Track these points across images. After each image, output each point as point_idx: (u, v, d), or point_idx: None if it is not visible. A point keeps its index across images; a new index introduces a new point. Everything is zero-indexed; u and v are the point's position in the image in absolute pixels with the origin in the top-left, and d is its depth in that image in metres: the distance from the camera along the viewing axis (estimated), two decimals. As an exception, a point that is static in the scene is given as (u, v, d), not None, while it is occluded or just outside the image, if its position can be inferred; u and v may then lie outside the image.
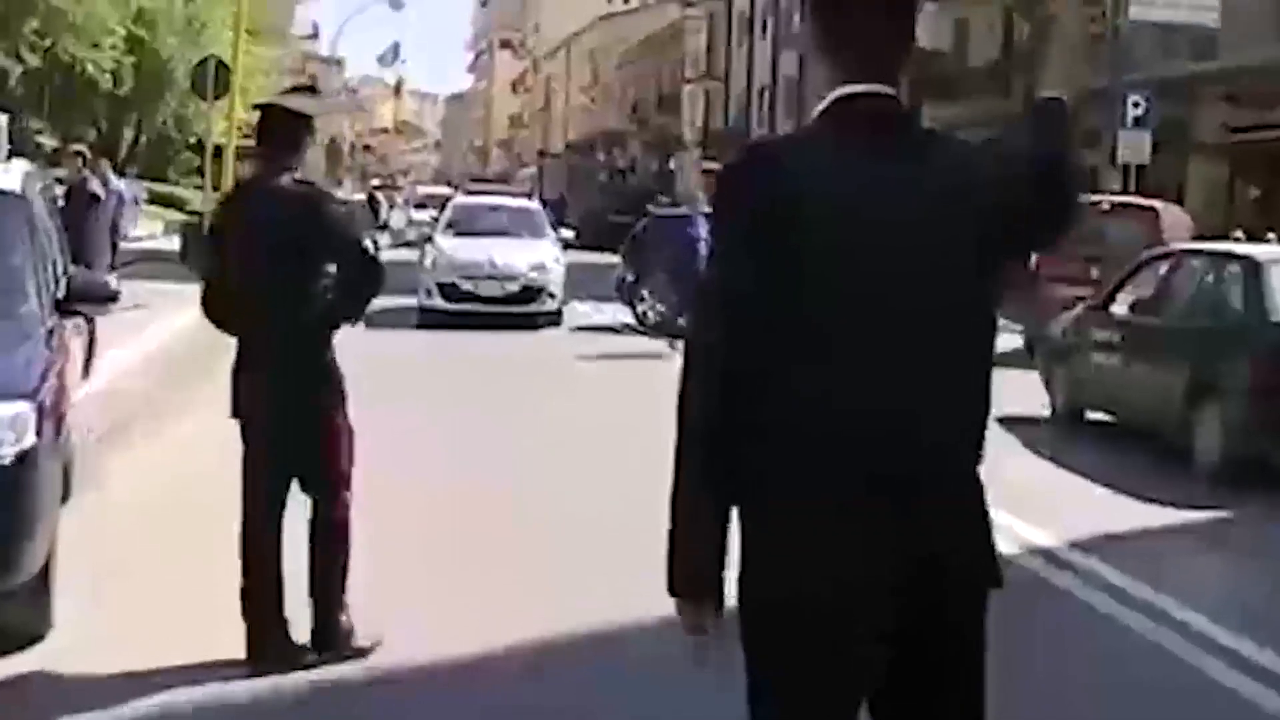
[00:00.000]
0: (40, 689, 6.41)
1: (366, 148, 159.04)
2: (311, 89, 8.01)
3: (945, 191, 3.45)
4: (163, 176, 57.17)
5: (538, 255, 25.76)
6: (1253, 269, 13.46)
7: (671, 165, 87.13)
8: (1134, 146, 33.04)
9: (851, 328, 3.35)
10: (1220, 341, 13.46)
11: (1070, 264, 20.91)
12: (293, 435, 6.82)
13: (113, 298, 8.10)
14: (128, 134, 56.98)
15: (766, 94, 72.87)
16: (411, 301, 25.15)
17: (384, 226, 49.03)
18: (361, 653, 6.91)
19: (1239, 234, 25.65)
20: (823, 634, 3.32)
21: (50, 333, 7.38)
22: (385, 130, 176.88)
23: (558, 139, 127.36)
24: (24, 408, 6.39)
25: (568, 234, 27.46)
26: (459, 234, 26.95)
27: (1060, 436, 15.38)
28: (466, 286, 25.02)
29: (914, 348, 3.39)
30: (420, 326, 24.31)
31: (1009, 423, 15.07)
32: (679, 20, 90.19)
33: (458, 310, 24.73)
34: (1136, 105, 32.80)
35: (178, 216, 44.99)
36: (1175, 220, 24.35)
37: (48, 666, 6.64)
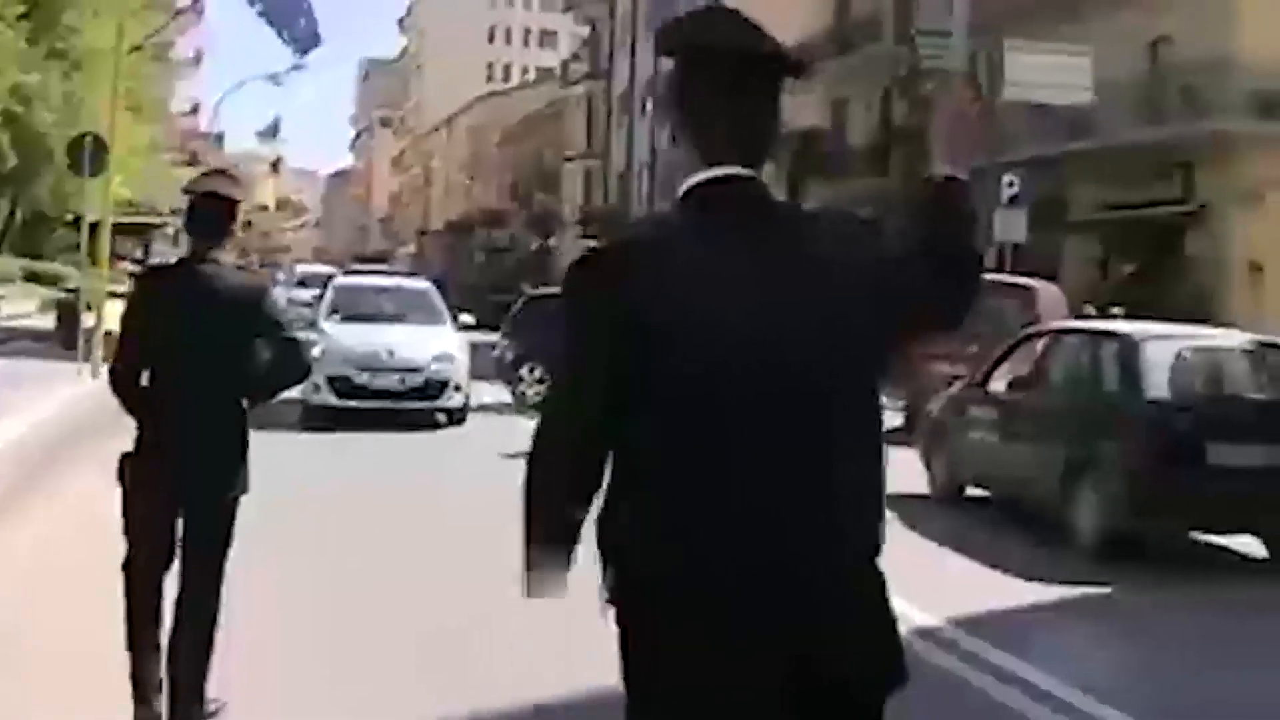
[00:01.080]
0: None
1: (247, 224, 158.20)
2: (228, 174, 7.80)
3: (819, 274, 3.34)
4: (38, 254, 56.49)
5: (440, 344, 23.06)
6: (1128, 347, 13.66)
7: (551, 243, 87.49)
8: (1010, 224, 33.49)
9: (721, 426, 3.23)
10: (1096, 419, 13.62)
11: (948, 341, 21.10)
12: (201, 517, 6.76)
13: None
14: (2, 211, 56.29)
15: (645, 171, 73.28)
16: (289, 395, 23.04)
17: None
18: None
19: (1116, 310, 26.10)
20: None
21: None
22: (265, 207, 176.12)
23: (438, 217, 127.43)
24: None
25: (466, 318, 26.06)
26: (346, 319, 23.99)
27: (940, 514, 15.46)
28: (360, 380, 22.30)
29: (791, 437, 3.26)
30: (306, 427, 21.16)
31: (889, 500, 15.18)
32: (558, 100, 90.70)
33: (351, 407, 22.18)
34: (1011, 184, 33.29)
35: (53, 294, 44.43)
36: (1052, 298, 24.69)
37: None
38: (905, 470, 15.56)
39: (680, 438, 3.23)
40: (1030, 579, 12.09)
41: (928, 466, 16.42)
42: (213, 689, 6.80)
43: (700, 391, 3.21)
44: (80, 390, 21.63)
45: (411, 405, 22.34)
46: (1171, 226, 35.34)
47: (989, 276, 29.16)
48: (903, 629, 9.09)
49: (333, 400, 22.10)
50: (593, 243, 29.97)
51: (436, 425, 22.52)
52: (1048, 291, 25.27)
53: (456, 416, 22.83)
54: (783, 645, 3.22)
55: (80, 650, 7.42)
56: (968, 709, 8.39)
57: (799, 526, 3.26)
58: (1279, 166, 32.85)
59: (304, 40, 30.71)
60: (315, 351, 20.04)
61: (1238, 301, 32.78)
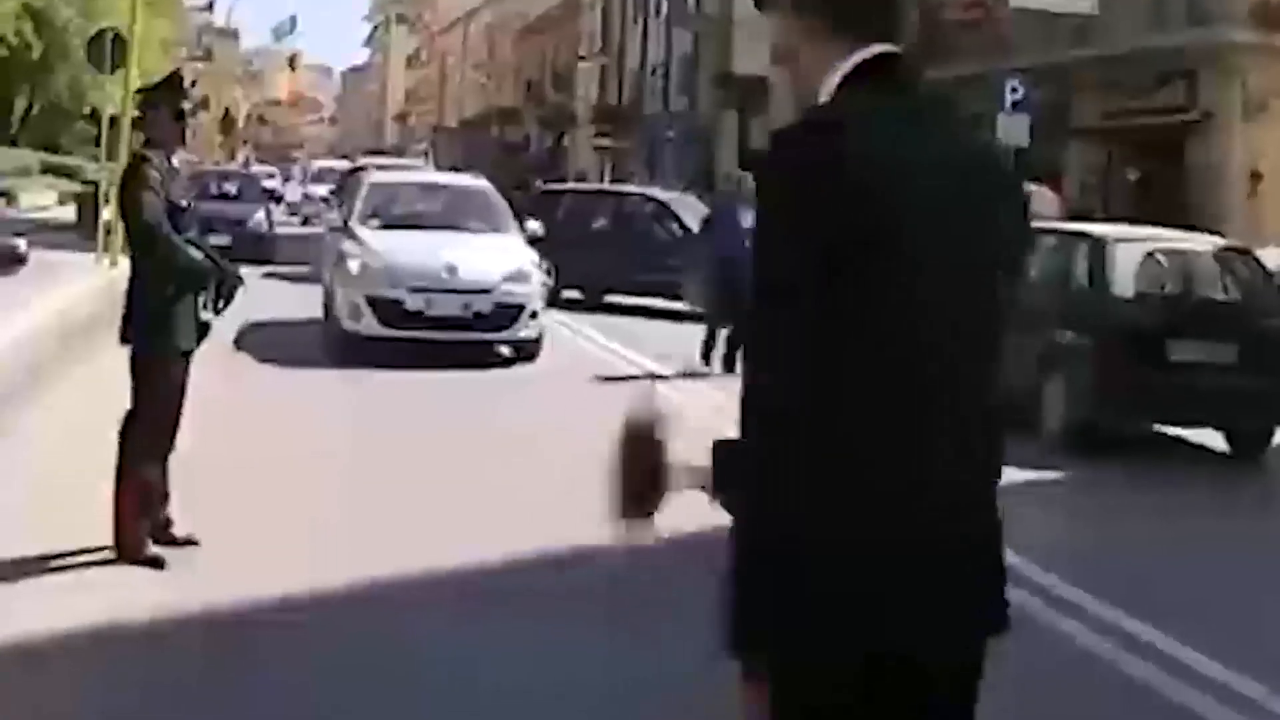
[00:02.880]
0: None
1: (261, 120, 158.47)
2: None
3: (985, 170, 3.21)
4: (55, 147, 57.12)
5: (511, 259, 18.25)
6: (1097, 248, 14.37)
7: (565, 141, 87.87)
8: (1013, 130, 34.00)
9: (914, 336, 2.99)
10: (1065, 316, 14.32)
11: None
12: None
13: (20, 259, 8.69)
14: (20, 104, 56.88)
15: (660, 72, 73.51)
16: (309, 311, 19.99)
17: (279, 199, 49.28)
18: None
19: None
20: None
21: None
22: (280, 103, 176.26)
23: (452, 115, 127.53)
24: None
25: (534, 225, 19.99)
26: (387, 226, 19.31)
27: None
28: (414, 304, 17.46)
29: (973, 355, 3.10)
30: (340, 361, 17.23)
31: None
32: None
33: (400, 338, 17.41)
34: (1014, 90, 33.71)
35: (71, 187, 45.14)
36: (1044, 201, 25.24)
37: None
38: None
39: (889, 345, 2.97)
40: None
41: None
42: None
43: (908, 296, 2.96)
44: (100, 279, 22.41)
45: (477, 336, 17.75)
46: (1174, 134, 35.68)
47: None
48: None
49: (377, 329, 17.46)
50: (607, 141, 29.51)
51: (502, 361, 18.06)
52: (1039, 195, 25.84)
53: (528, 351, 18.17)
54: (944, 564, 3.08)
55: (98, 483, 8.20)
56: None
57: (970, 451, 3.14)
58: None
59: None
60: (352, 266, 17.74)
61: (1237, 209, 33.30)
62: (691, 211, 27.04)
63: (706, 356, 18.00)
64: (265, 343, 17.84)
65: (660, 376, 16.66)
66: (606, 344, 20.59)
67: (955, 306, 3.02)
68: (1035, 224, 16.57)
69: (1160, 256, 14.63)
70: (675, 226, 26.08)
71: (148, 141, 8.32)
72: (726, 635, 2.96)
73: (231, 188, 36.07)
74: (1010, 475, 10.31)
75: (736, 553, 2.95)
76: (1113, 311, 13.85)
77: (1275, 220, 31.28)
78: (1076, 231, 15.67)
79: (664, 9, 72.83)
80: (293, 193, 59.50)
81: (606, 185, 37.85)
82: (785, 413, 2.92)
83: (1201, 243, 15.75)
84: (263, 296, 19.60)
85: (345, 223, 19.54)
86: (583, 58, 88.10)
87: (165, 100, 8.32)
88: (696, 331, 18.46)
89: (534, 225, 19.93)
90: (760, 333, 3.01)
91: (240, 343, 17.35)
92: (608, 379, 16.80)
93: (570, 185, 36.74)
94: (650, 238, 25.99)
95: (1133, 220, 23.17)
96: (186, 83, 8.89)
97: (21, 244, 8.85)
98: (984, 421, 3.16)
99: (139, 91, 8.65)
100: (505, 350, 18.20)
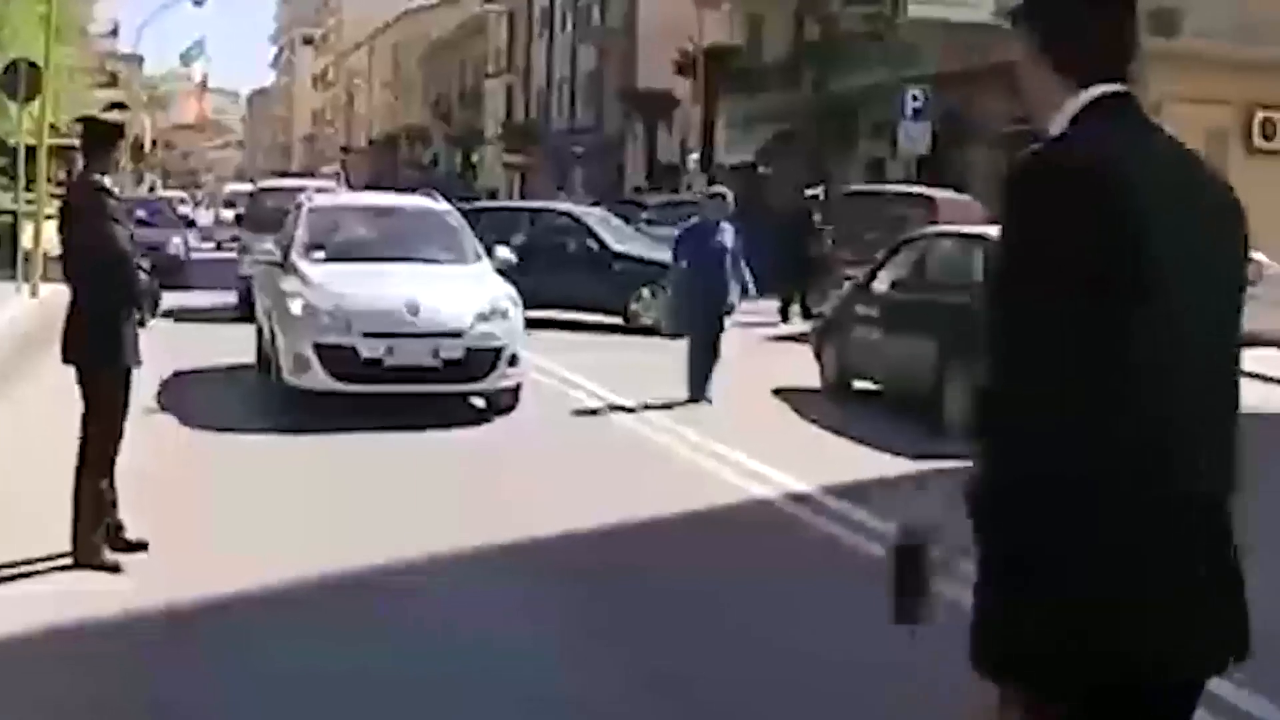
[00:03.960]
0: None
1: (168, 145, 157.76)
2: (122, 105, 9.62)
3: (1222, 205, 3.31)
4: (-36, 177, 56.91)
5: (484, 294, 15.60)
6: (991, 248, 15.02)
7: (474, 158, 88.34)
8: (914, 138, 34.81)
9: (1174, 355, 3.09)
10: (964, 314, 14.96)
11: (856, 247, 22.75)
12: None
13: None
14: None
15: (565, 87, 74.14)
16: (239, 357, 17.82)
17: (192, 224, 49.45)
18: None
19: None
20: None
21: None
22: (187, 127, 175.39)
23: (361, 135, 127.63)
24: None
25: (505, 252, 17.49)
26: (333, 258, 16.27)
27: (829, 405, 16.79)
28: (372, 352, 14.66)
29: (1217, 369, 3.23)
30: (279, 426, 14.28)
31: (783, 393, 16.64)
32: (480, 15, 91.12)
33: (355, 392, 14.72)
34: (915, 99, 34.54)
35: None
36: (957, 207, 25.88)
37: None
38: (800, 366, 16.89)
39: (1152, 353, 3.06)
40: (899, 455, 13.49)
41: (819, 360, 17.73)
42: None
43: (1165, 314, 3.04)
44: (22, 308, 22.75)
45: (448, 389, 15.14)
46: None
47: (892, 188, 30.85)
48: (778, 495, 10.54)
49: (327, 382, 14.61)
50: (516, 158, 29.54)
51: (474, 414, 15.35)
52: (950, 201, 26.55)
53: (505, 403, 15.48)
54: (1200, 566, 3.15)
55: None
56: (838, 562, 9.78)
57: (1222, 467, 3.22)
58: (1177, 81, 33.97)
59: None
60: (294, 308, 14.94)
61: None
62: (606, 226, 27.66)
63: (693, 391, 16.48)
64: (191, 400, 15.59)
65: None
66: (567, 376, 18.21)
67: (1206, 325, 3.14)
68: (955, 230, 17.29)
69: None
70: (591, 242, 26.50)
71: (94, 169, 8.79)
72: (990, 660, 3.13)
73: (146, 214, 36.26)
74: (911, 465, 11.05)
75: (1003, 573, 3.08)
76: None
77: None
78: (971, 234, 16.23)
79: (569, 24, 73.47)
80: (204, 218, 59.71)
81: (524, 202, 37.91)
82: (1060, 428, 3.00)
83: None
84: (182, 339, 19.70)
85: (284, 256, 16.25)
86: (490, 75, 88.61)
87: (114, 138, 9.03)
88: (631, 351, 18.81)
89: (504, 253, 17.16)
90: (1020, 355, 3.05)
91: (162, 399, 15.16)
92: (596, 436, 14.78)
93: (487, 204, 36.81)
94: (568, 253, 26.27)
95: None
96: (108, 109, 9.51)
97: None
98: (1230, 440, 3.24)
99: (92, 121, 9.09)
100: (478, 401, 15.56)
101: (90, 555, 8.48)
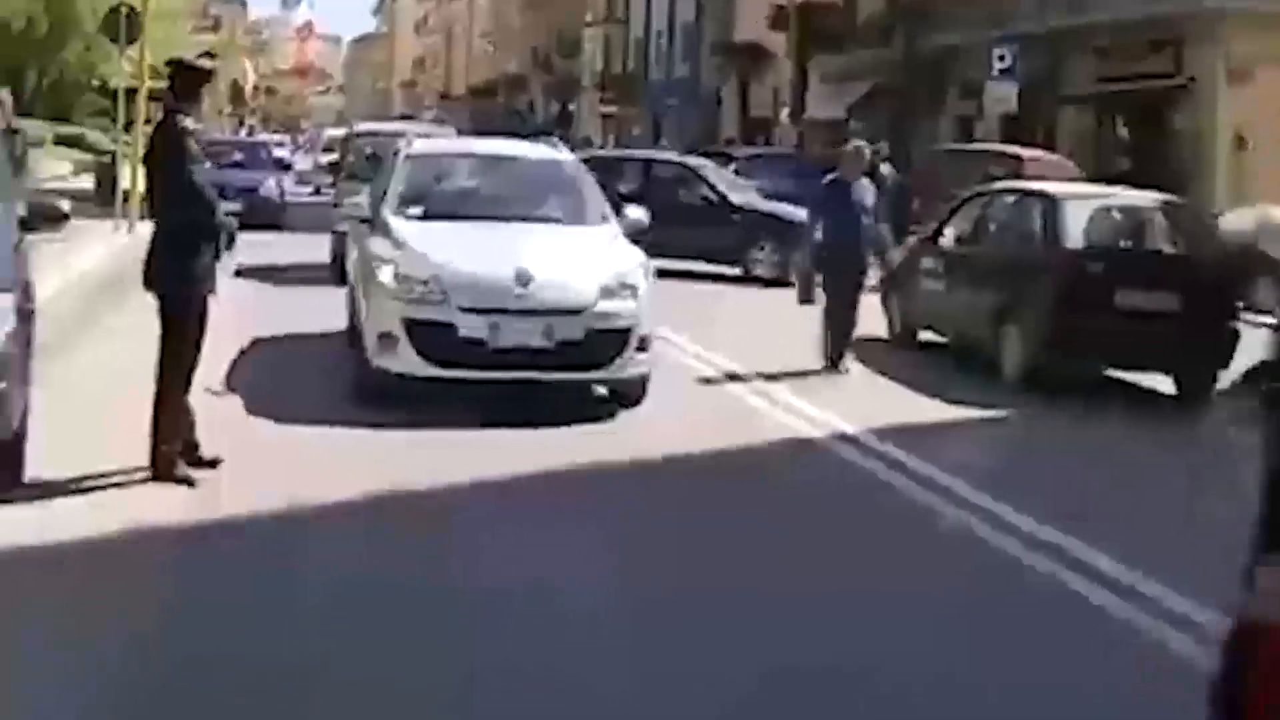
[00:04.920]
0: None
1: (269, 90, 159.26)
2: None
3: None
4: (67, 118, 58.04)
5: (612, 263, 12.95)
6: (1050, 204, 15.47)
7: (571, 107, 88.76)
8: (1001, 97, 35.03)
9: None
10: (1021, 267, 15.41)
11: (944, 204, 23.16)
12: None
13: (65, 216, 9.73)
14: (30, 77, 57.78)
15: (663, 38, 74.44)
16: (331, 322, 15.11)
17: (289, 168, 50.13)
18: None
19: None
20: None
21: (18, 244, 9.03)
22: (289, 72, 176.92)
23: (460, 83, 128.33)
24: (7, 299, 8.08)
25: (637, 212, 14.53)
26: (431, 216, 13.77)
27: (893, 354, 17.21)
28: (473, 330, 12.19)
29: None
30: (358, 419, 11.70)
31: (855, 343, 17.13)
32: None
33: (454, 378, 12.21)
34: (1002, 58, 34.75)
35: (83, 157, 46.14)
36: (1048, 166, 26.19)
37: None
38: (869, 317, 17.33)
39: None
40: (954, 402, 13.94)
41: (886, 312, 18.13)
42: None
43: None
44: (121, 242, 23.57)
45: (565, 377, 12.58)
46: (1161, 100, 36.61)
47: (980, 146, 31.11)
48: (827, 435, 11.05)
49: (419, 366, 12.19)
50: (612, 108, 29.86)
51: (599, 407, 12.83)
52: (1038, 160, 26.88)
53: (633, 394, 12.89)
54: None
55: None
56: (881, 503, 10.24)
57: None
58: (1266, 43, 33.95)
59: None
60: (383, 275, 12.54)
61: (1222, 172, 34.28)
62: (721, 178, 28.20)
63: (832, 357, 15.41)
64: (262, 378, 13.35)
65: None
66: (687, 347, 16.22)
67: None
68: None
69: (1108, 212, 15.77)
70: (710, 193, 26.95)
71: (178, 109, 9.39)
72: None
73: (243, 156, 37.06)
74: (968, 413, 11.55)
75: None
76: (1063, 262, 14.94)
77: (1258, 183, 32.14)
78: (1031, 190, 16.70)
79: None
80: (303, 161, 60.47)
81: (637, 152, 38.03)
82: None
83: (1148, 199, 16.80)
84: (269, 299, 19.15)
85: (375, 212, 13.91)
86: (588, 24, 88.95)
87: (201, 82, 9.70)
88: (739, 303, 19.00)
89: (636, 213, 14.47)
90: None
91: (232, 377, 12.93)
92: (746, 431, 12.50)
93: (599, 152, 36.71)
94: (685, 204, 26.58)
95: (1123, 182, 24.06)
96: (201, 56, 10.13)
97: (65, 204, 9.86)
98: None
99: (181, 64, 9.68)
100: (600, 390, 13.00)
101: (167, 470, 9.10)
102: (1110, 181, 23.93)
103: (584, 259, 12.94)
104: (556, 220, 14.04)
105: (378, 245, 13.15)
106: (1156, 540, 9.25)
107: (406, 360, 12.16)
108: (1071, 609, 7.91)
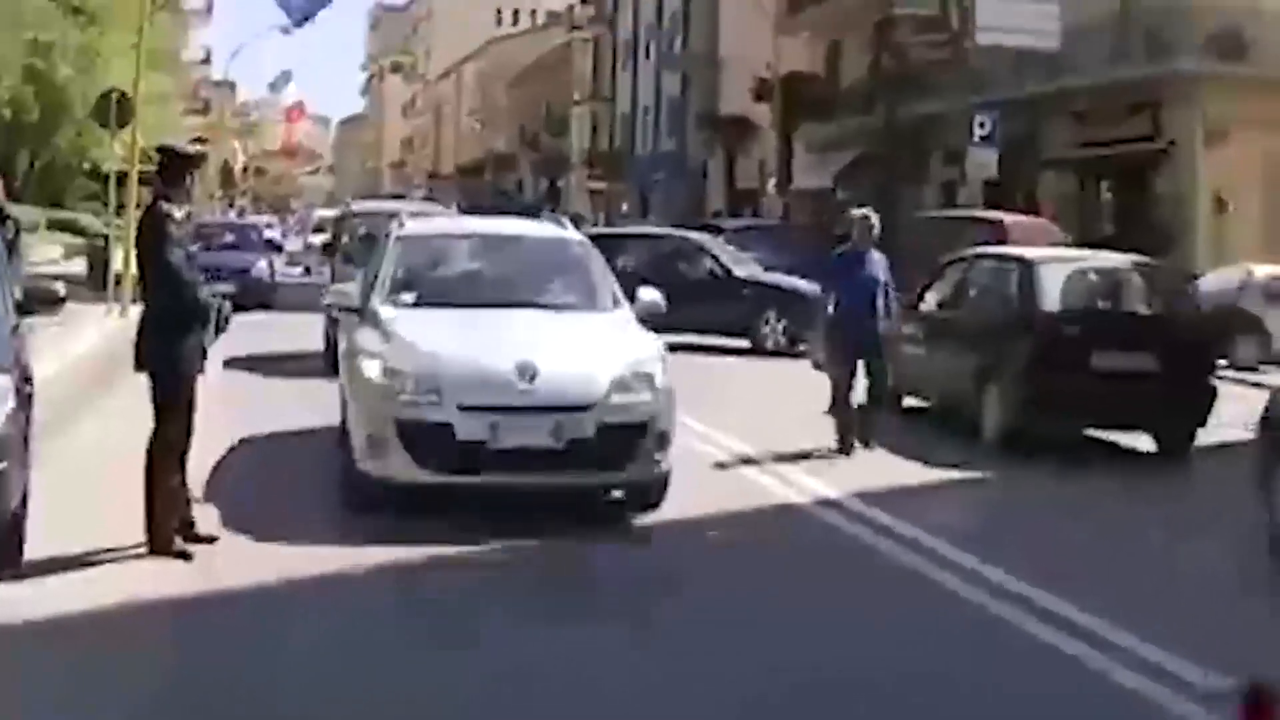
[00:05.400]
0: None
1: (259, 170, 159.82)
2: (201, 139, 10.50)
3: None
4: (60, 202, 58.41)
5: (624, 352, 11.72)
6: (1026, 268, 15.79)
7: (559, 184, 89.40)
8: (982, 162, 35.43)
9: None
10: (1000, 331, 15.71)
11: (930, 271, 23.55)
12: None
13: (61, 300, 9.98)
14: (23, 162, 58.17)
15: (649, 113, 75.05)
16: (319, 417, 14.03)
17: (279, 249, 50.52)
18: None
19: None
20: None
21: (15, 328, 9.27)
22: (278, 153, 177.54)
23: (448, 161, 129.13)
24: (6, 380, 8.31)
25: (651, 294, 12.89)
26: (424, 303, 12.63)
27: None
28: (470, 431, 10.91)
29: None
30: (347, 536, 10.45)
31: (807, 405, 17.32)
32: (566, 44, 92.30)
33: (452, 485, 11.00)
34: (983, 125, 35.16)
35: (75, 240, 46.51)
36: (1031, 229, 26.58)
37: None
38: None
39: None
40: (936, 466, 14.17)
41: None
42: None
43: None
44: (113, 325, 23.82)
45: (574, 480, 11.32)
46: (1141, 163, 36.98)
47: (963, 212, 31.42)
48: (811, 501, 11.18)
49: (412, 472, 10.95)
50: (600, 184, 30.17)
51: (609, 511, 11.67)
52: (1020, 224, 27.28)
53: (652, 498, 11.64)
54: None
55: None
56: (867, 567, 10.45)
57: None
58: (1241, 105, 34.38)
59: (297, 11, 32.63)
60: (370, 371, 11.36)
61: (1203, 232, 34.68)
62: (724, 251, 28.72)
63: (845, 438, 14.78)
64: (243, 484, 12.09)
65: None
66: (705, 433, 15.22)
67: None
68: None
69: (1084, 275, 16.10)
70: (714, 266, 27.40)
71: (164, 195, 9.69)
72: None
73: (234, 238, 37.52)
74: (948, 474, 11.79)
75: None
76: (1041, 325, 15.23)
77: (1239, 242, 32.53)
78: (1008, 255, 17.03)
79: (652, 53, 74.38)
80: (293, 243, 60.92)
81: (639, 228, 38.44)
82: None
83: (1123, 261, 17.12)
84: (258, 390, 18.23)
85: (364, 300, 12.77)
86: (576, 102, 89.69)
87: (189, 167, 9.88)
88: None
89: (651, 295, 12.96)
90: None
91: (211, 484, 11.51)
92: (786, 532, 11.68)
93: (601, 230, 36.89)
94: (691, 278, 26.91)
95: (1107, 245, 24.39)
96: (191, 141, 10.41)
97: (61, 288, 10.11)
98: None
99: (168, 150, 9.96)
100: (616, 492, 11.74)
101: (164, 545, 9.33)
102: (1094, 245, 24.28)
103: (595, 348, 11.67)
104: (564, 306, 12.66)
105: (365, 337, 11.93)
106: (1133, 593, 9.48)
107: (398, 466, 10.89)
108: (1046, 659, 8.12)
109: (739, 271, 27.56)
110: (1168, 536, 11.76)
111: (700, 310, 25.18)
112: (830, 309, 15.19)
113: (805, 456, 14.41)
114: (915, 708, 7.27)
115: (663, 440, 11.34)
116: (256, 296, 30.41)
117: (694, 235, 30.52)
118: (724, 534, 11.35)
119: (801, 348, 23.17)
